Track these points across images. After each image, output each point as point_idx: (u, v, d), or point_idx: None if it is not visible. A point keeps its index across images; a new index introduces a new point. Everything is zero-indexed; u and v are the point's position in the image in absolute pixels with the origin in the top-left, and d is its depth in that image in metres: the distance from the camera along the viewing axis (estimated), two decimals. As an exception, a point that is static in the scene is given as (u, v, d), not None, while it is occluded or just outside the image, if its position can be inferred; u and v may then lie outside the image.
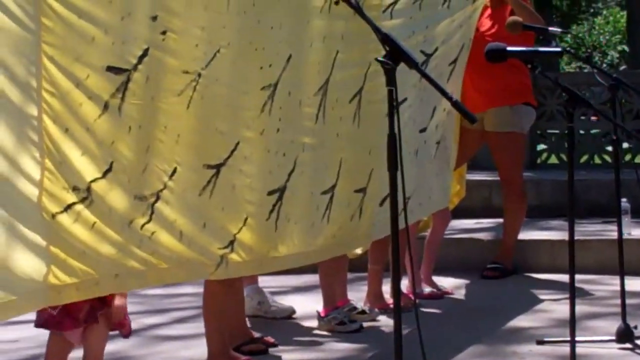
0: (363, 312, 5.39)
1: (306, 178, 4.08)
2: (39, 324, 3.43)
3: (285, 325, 5.35)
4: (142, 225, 3.32)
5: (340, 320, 5.17)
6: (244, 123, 3.74)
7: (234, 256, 3.71)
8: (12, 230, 2.89)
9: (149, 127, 3.33)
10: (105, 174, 3.16)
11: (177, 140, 3.44)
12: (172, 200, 3.41)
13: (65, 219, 3.06)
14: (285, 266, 4.38)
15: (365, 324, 5.24)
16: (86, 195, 3.11)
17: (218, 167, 3.59)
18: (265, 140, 3.84)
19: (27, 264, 2.94)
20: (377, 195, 4.59)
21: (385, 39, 2.87)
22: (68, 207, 3.07)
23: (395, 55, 2.85)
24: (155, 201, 3.34)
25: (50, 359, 3.47)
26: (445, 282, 6.24)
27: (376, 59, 2.91)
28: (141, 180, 3.31)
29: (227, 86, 3.64)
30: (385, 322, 5.26)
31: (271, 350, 4.79)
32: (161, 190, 3.37)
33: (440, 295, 6.03)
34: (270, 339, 4.88)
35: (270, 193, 3.84)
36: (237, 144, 3.67)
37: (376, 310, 5.48)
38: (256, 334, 4.85)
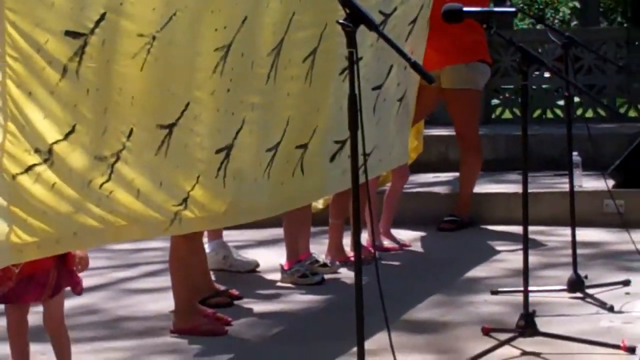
0: (325, 264, 5.44)
1: (254, 136, 4.08)
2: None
3: (249, 278, 5.39)
4: (101, 185, 3.32)
5: (303, 273, 5.21)
6: (195, 84, 3.73)
7: (187, 213, 3.72)
8: None
9: (106, 90, 3.32)
10: (67, 136, 3.16)
11: (132, 102, 3.43)
12: (131, 160, 3.41)
13: (25, 180, 3.07)
14: (236, 222, 4.46)
15: (326, 276, 5.29)
16: (47, 156, 3.11)
17: (170, 127, 3.59)
18: (215, 100, 3.83)
19: None
20: (323, 151, 4.62)
21: (346, 1, 2.87)
22: (29, 169, 3.07)
23: (355, 17, 2.85)
24: (116, 161, 3.35)
25: (13, 328, 3.42)
26: (404, 235, 6.31)
27: (337, 22, 2.91)
28: (101, 141, 3.31)
29: (180, 48, 3.61)
30: (346, 274, 5.33)
31: (236, 302, 4.84)
32: (120, 151, 3.37)
33: (398, 248, 6.09)
34: (235, 292, 4.93)
35: (218, 151, 3.85)
36: (188, 104, 3.66)
37: (337, 262, 5.53)
38: (221, 287, 4.90)
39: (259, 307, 4.82)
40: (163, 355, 4.07)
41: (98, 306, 4.82)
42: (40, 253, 3.18)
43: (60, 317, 3.43)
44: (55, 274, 3.29)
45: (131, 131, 3.41)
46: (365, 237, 5.36)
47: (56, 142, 3.13)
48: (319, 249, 5.59)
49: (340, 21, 2.87)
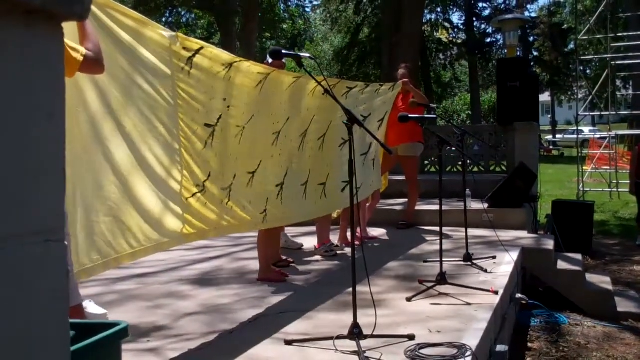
0: (337, 246, 5.42)
1: (293, 178, 4.07)
2: None
3: (297, 253, 5.37)
4: (226, 203, 3.35)
5: (326, 250, 5.20)
6: (264, 151, 3.74)
7: (267, 217, 3.72)
8: (167, 207, 2.95)
9: (224, 154, 3.35)
10: (208, 178, 3.21)
11: (236, 160, 3.46)
12: (236, 190, 3.44)
13: (192, 201, 3.11)
14: (290, 222, 4.44)
15: (338, 252, 5.27)
16: (202, 188, 3.16)
17: (253, 173, 3.61)
18: (273, 160, 3.84)
19: (173, 223, 2.99)
20: (337, 186, 4.60)
21: (347, 112, 2.89)
22: (194, 195, 3.13)
23: (352, 119, 2.88)
24: (230, 190, 3.37)
25: None
26: (378, 231, 6.27)
27: (343, 122, 2.92)
28: (222, 181, 3.34)
29: (257, 132, 3.62)
30: (348, 251, 5.28)
31: (291, 265, 4.82)
32: (231, 185, 3.39)
33: (375, 238, 6.05)
34: (290, 260, 4.92)
35: (276, 186, 3.86)
36: (261, 161, 3.68)
37: (343, 245, 5.50)
38: (283, 257, 4.88)
39: (302, 268, 4.81)
40: (254, 291, 4.06)
41: (223, 266, 4.85)
42: (197, 238, 3.22)
43: None
44: None
45: (235, 175, 3.44)
46: (358, 231, 5.37)
47: (205, 180, 3.18)
48: (334, 237, 5.57)
49: (345, 122, 2.89)
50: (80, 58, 2.21)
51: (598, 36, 14.90)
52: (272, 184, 3.81)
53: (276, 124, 3.82)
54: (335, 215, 5.67)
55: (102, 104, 2.71)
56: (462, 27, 30.16)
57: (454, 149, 9.85)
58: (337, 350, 2.74)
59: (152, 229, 2.90)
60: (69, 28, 2.36)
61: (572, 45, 29.99)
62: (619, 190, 13.11)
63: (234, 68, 3.32)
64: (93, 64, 2.32)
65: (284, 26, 28.81)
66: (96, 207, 2.69)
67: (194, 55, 3.06)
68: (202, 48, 3.09)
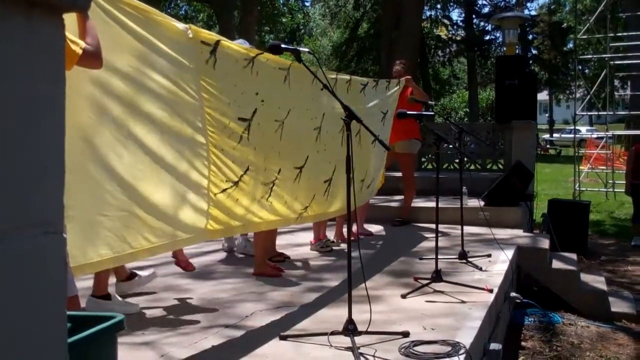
0: (333, 242, 5.42)
1: (340, 176, 4.07)
2: None
3: (293, 248, 5.36)
4: (267, 199, 3.34)
5: (322, 246, 5.20)
6: (309, 146, 3.76)
7: (305, 213, 3.72)
8: (188, 203, 2.91)
9: (264, 148, 3.34)
10: (245, 172, 3.19)
11: (279, 154, 3.46)
12: (281, 185, 3.43)
13: (221, 196, 3.09)
14: (323, 218, 4.38)
15: (334, 248, 5.27)
16: (235, 184, 3.13)
17: (300, 168, 3.62)
18: (319, 155, 3.86)
19: (195, 219, 2.95)
20: (367, 182, 4.57)
21: (346, 108, 2.88)
22: (224, 190, 3.10)
23: (350, 116, 2.87)
24: (272, 186, 3.37)
25: None
26: (374, 228, 6.26)
27: (341, 118, 2.91)
28: (264, 175, 3.33)
29: (297, 127, 3.62)
30: (344, 247, 5.29)
31: (287, 260, 4.82)
32: (274, 180, 3.39)
33: (371, 234, 6.06)
34: (287, 255, 4.91)
35: (325, 182, 3.87)
36: (308, 156, 3.69)
37: (339, 241, 5.51)
38: (279, 251, 4.88)
39: (298, 263, 4.81)
40: (250, 286, 4.06)
41: (219, 260, 4.84)
42: (224, 234, 3.22)
43: None
44: None
45: (280, 170, 3.43)
46: (354, 228, 5.37)
47: (241, 175, 3.15)
48: (330, 233, 5.56)
49: (343, 118, 2.88)
50: (80, 51, 2.21)
51: (597, 36, 14.91)
52: (320, 179, 3.83)
53: (315, 120, 3.84)
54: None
55: (108, 101, 2.57)
56: (461, 24, 30.13)
57: (451, 146, 9.89)
58: (331, 346, 2.75)
59: (170, 225, 2.81)
60: (69, 22, 2.32)
61: (571, 44, 30.02)
62: (615, 190, 13.15)
63: (256, 63, 3.29)
64: (91, 58, 2.31)
65: (283, 20, 28.71)
66: (106, 202, 2.61)
67: (215, 49, 3.02)
68: (219, 41, 3.05)
